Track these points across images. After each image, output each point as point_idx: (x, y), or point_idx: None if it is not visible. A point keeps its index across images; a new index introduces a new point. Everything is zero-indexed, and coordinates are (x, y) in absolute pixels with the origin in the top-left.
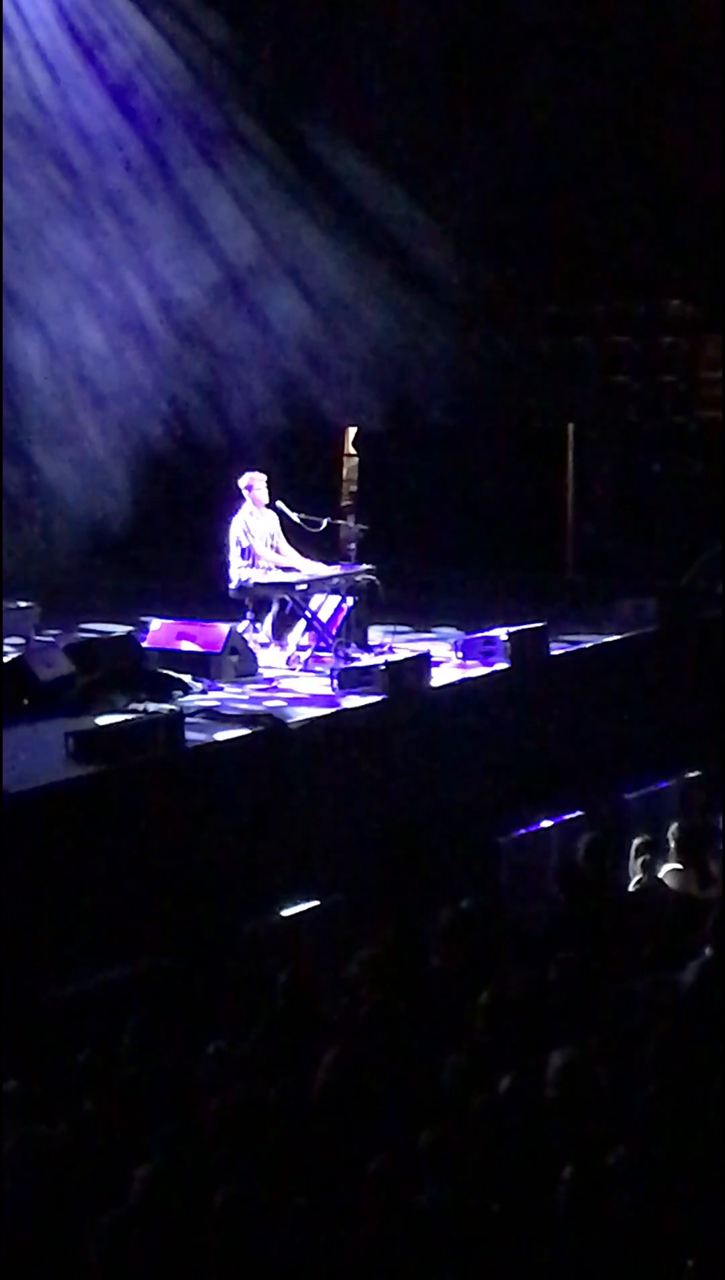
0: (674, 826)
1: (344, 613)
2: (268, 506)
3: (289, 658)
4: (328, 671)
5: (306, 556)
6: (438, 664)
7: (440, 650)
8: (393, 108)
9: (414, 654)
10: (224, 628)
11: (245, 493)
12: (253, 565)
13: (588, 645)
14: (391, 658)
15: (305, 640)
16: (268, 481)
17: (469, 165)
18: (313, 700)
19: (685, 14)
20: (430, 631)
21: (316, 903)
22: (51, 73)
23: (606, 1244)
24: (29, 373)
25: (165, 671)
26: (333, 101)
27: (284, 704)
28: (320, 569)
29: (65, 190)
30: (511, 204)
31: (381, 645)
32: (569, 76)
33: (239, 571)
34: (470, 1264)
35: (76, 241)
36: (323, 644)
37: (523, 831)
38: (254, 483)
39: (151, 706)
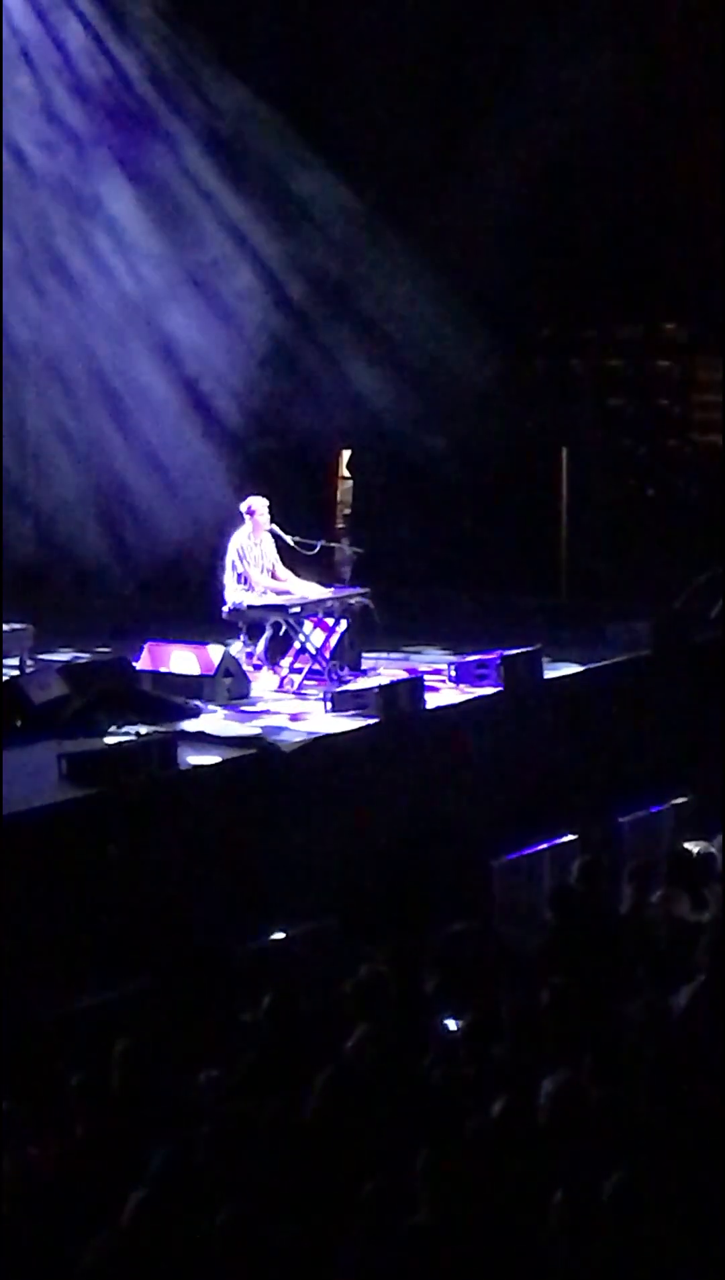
0: (667, 850)
1: (338, 636)
2: None
3: (282, 681)
4: (321, 694)
5: (302, 579)
6: (431, 688)
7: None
8: (384, 130)
9: (407, 677)
10: (217, 650)
11: (246, 516)
12: (248, 589)
13: (581, 669)
14: (384, 681)
15: (299, 663)
16: (267, 506)
17: (462, 190)
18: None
19: (681, 37)
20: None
21: (309, 926)
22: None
23: (601, 1269)
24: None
25: (158, 694)
26: (323, 127)
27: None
28: (315, 591)
29: None
30: (505, 228)
31: (373, 668)
32: (562, 99)
33: (233, 594)
34: None
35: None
36: (316, 667)
37: (516, 855)
38: (255, 507)
39: (144, 729)
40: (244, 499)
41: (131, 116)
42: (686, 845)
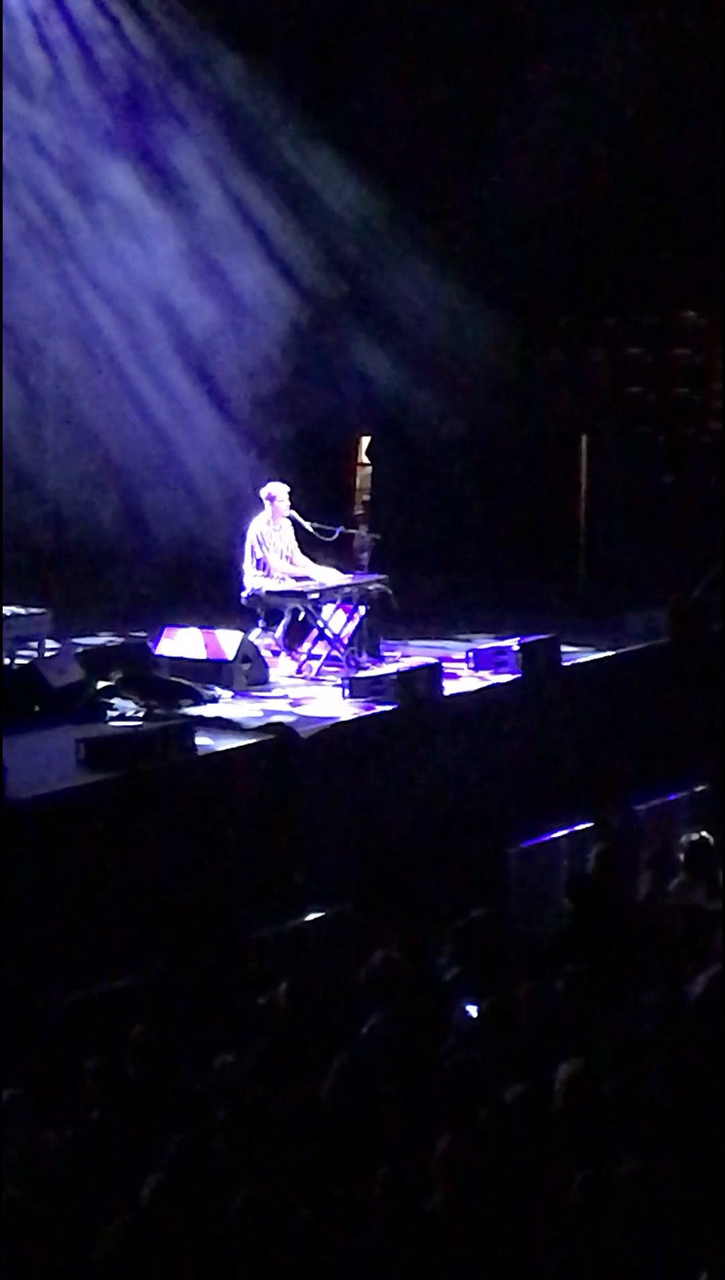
0: (684, 838)
1: (356, 622)
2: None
3: (300, 666)
4: (339, 681)
5: (319, 565)
6: (450, 674)
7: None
8: (403, 116)
9: (425, 663)
10: (236, 636)
11: (266, 502)
12: (267, 575)
13: (599, 657)
14: (402, 667)
15: (317, 649)
16: (287, 492)
17: (482, 177)
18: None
19: (703, 24)
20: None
21: (325, 912)
22: None
23: (615, 1255)
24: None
25: (176, 679)
26: (343, 113)
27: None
28: (333, 577)
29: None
30: (524, 216)
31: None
32: (580, 87)
33: (252, 580)
34: (477, 1273)
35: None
36: (334, 653)
37: (532, 842)
38: (276, 493)
39: (161, 713)
40: (263, 485)
41: (145, 98)
42: (694, 835)
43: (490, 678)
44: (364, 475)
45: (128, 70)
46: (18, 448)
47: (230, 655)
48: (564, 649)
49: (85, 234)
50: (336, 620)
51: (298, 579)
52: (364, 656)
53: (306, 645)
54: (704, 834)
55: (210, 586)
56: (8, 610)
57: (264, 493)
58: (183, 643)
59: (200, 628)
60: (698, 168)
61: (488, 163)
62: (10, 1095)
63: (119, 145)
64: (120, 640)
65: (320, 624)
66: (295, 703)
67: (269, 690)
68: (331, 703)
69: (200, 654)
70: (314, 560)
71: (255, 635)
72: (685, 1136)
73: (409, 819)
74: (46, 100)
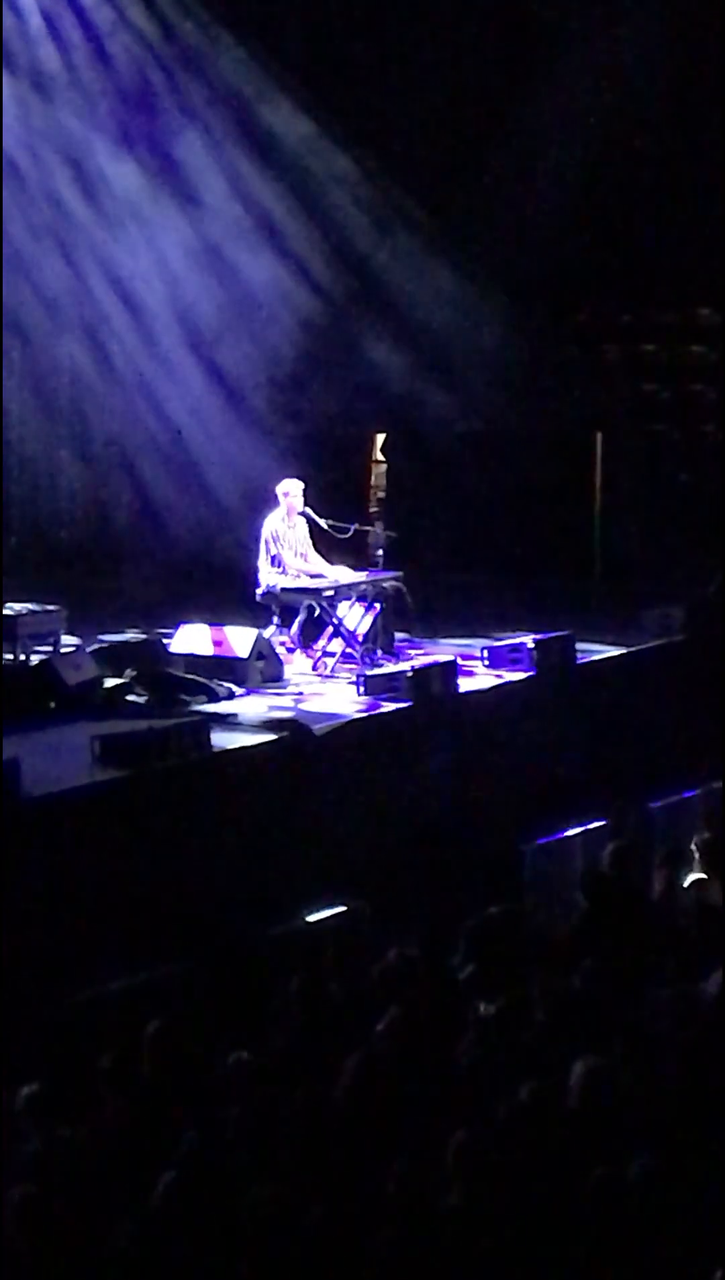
0: (699, 836)
1: (371, 619)
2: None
3: (315, 663)
4: (353, 678)
5: (333, 563)
6: (464, 671)
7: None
8: (419, 113)
9: (440, 660)
10: (251, 633)
11: (281, 498)
12: (282, 572)
13: (614, 654)
14: (417, 664)
15: (332, 646)
16: (302, 489)
17: (497, 174)
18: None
19: (720, 19)
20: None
21: (341, 908)
22: None
23: (630, 1253)
24: None
25: (191, 676)
26: (357, 108)
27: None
28: (348, 575)
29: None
30: (539, 212)
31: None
32: (595, 82)
33: (267, 577)
34: (492, 1270)
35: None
36: (349, 650)
37: (547, 839)
38: (291, 490)
39: (176, 711)
40: (278, 481)
41: (155, 94)
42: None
43: (505, 675)
44: (379, 472)
45: (138, 64)
46: (33, 447)
47: (245, 652)
48: (579, 646)
49: (96, 232)
50: (352, 616)
51: (312, 576)
52: (379, 653)
53: (321, 642)
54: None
55: (224, 583)
56: (22, 607)
57: (279, 489)
58: (197, 640)
59: (211, 625)
60: (715, 163)
61: (503, 158)
62: (30, 1091)
63: (129, 140)
64: (143, 637)
65: (335, 621)
66: (299, 699)
67: (283, 687)
68: (336, 700)
69: (213, 651)
70: (328, 558)
71: (270, 632)
72: (700, 1134)
73: (423, 816)
74: (56, 94)
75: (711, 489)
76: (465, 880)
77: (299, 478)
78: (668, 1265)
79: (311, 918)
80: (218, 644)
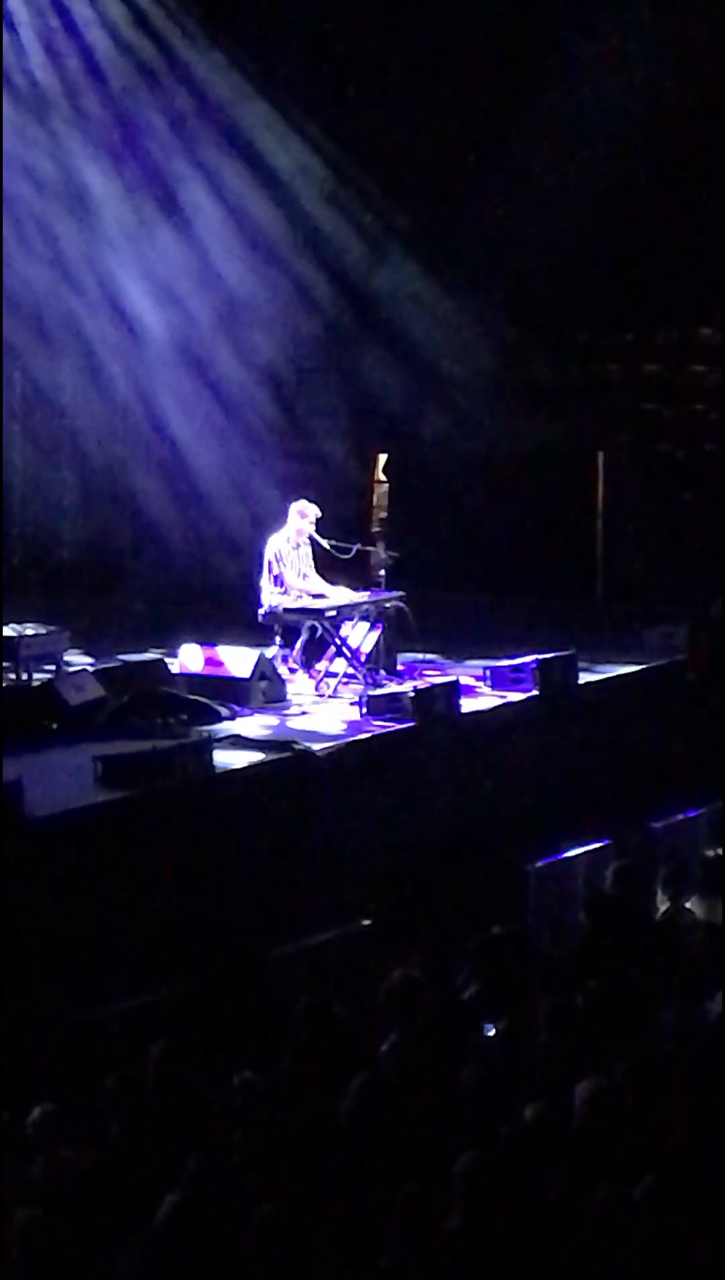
0: (702, 855)
1: (374, 639)
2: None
3: (318, 684)
4: (356, 698)
5: (335, 584)
6: (467, 692)
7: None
8: (421, 135)
9: (442, 681)
10: (253, 654)
11: (295, 517)
12: (284, 593)
13: (616, 674)
14: (419, 684)
15: (335, 667)
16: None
17: (499, 195)
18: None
19: (716, 37)
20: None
21: (344, 929)
22: None
23: (634, 1275)
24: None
25: (194, 697)
26: (358, 130)
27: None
28: (348, 595)
29: None
30: (541, 233)
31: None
32: (595, 100)
33: (269, 597)
34: None
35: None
36: (351, 670)
37: (550, 859)
38: (307, 511)
39: (179, 732)
40: (276, 500)
41: (149, 114)
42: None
43: (507, 695)
44: (381, 493)
45: (132, 86)
46: (35, 467)
47: (247, 673)
48: (581, 666)
49: (93, 250)
50: (356, 635)
51: (314, 596)
52: (382, 674)
53: (323, 663)
54: (720, 850)
55: (226, 604)
56: (24, 628)
57: (294, 508)
58: (199, 660)
59: (212, 645)
60: (716, 183)
61: (503, 177)
62: (42, 1111)
63: (122, 156)
64: (145, 657)
65: (338, 641)
66: (289, 719)
67: (286, 708)
68: (330, 721)
69: (215, 672)
70: (328, 578)
71: (272, 653)
72: (705, 1155)
73: (427, 837)
74: (49, 110)
75: (714, 508)
76: (469, 900)
77: (302, 498)
78: None
79: (315, 939)
80: (219, 665)
